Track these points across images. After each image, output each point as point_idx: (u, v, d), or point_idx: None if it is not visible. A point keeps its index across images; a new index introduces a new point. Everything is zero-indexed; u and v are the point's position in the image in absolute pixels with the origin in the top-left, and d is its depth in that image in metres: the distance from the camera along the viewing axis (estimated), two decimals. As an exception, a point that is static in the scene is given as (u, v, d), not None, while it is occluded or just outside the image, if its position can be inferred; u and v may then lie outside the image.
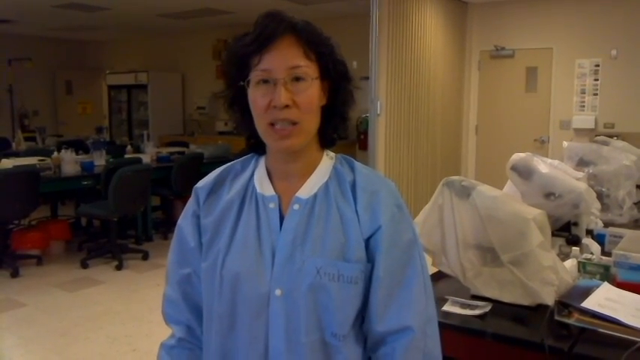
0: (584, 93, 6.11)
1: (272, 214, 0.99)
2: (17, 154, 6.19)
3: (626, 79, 5.85)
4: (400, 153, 5.63)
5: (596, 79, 6.02)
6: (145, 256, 5.20)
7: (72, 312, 3.95)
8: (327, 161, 1.04)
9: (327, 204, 0.99)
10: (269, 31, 0.94)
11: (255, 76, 0.95)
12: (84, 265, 4.94)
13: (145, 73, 9.38)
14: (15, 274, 4.67)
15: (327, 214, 0.99)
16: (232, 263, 0.99)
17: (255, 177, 1.04)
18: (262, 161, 1.06)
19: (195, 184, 1.11)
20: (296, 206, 0.99)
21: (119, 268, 4.89)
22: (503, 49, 6.50)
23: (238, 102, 1.01)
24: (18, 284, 4.54)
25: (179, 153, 6.46)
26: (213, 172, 1.09)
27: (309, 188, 1.00)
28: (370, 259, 0.98)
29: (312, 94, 0.96)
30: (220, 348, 1.00)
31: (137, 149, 6.63)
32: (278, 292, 0.95)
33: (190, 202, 1.09)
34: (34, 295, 4.26)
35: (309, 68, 0.95)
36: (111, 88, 10.19)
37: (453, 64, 6.55)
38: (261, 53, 0.94)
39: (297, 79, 0.94)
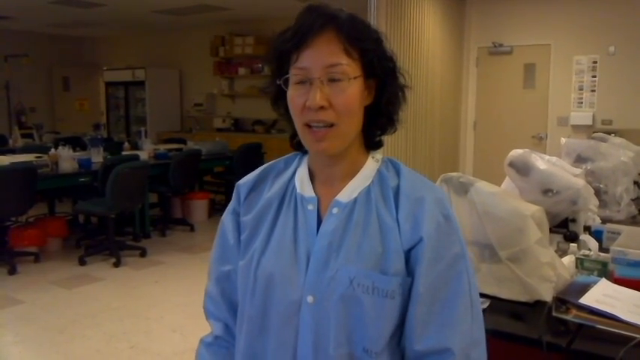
0: (582, 89, 6.11)
1: (310, 216, 0.95)
2: (14, 151, 6.19)
3: (624, 75, 5.85)
4: (398, 149, 5.63)
5: (594, 76, 6.02)
6: (143, 253, 5.20)
7: (70, 309, 3.95)
8: (372, 164, 0.98)
9: (367, 210, 0.93)
10: (306, 26, 0.89)
11: (292, 74, 0.91)
12: (82, 262, 4.93)
13: (143, 70, 9.36)
14: (12, 272, 4.67)
15: (365, 220, 0.93)
16: (267, 264, 0.95)
17: (297, 176, 1.00)
18: (305, 160, 1.01)
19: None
20: (335, 210, 0.94)
21: (117, 265, 4.89)
22: (501, 45, 6.50)
23: (282, 98, 0.96)
24: (15, 281, 4.53)
25: (177, 150, 6.44)
26: (257, 169, 1.06)
27: (349, 192, 0.95)
28: (410, 272, 0.91)
29: (350, 94, 0.89)
30: (249, 349, 0.98)
31: (135, 146, 6.61)
32: (310, 298, 0.91)
33: (232, 199, 1.06)
34: (31, 293, 4.25)
35: (349, 66, 0.89)
36: (108, 84, 10.17)
37: (451, 61, 6.55)
38: (299, 50, 0.89)
39: (335, 78, 0.88)
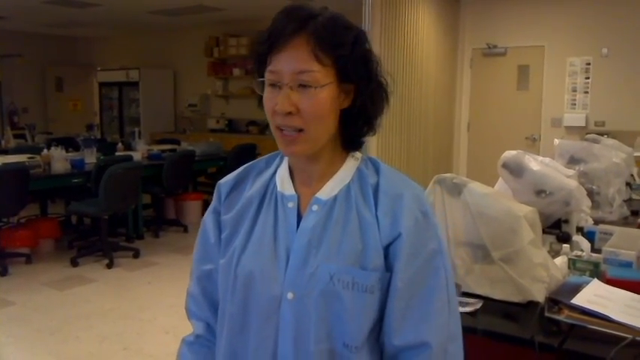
0: (575, 91, 6.14)
1: (290, 214, 0.96)
2: (6, 152, 6.15)
3: (617, 77, 5.88)
4: (392, 150, 5.64)
5: (587, 78, 6.05)
6: (136, 254, 5.18)
7: (62, 311, 3.92)
8: (352, 162, 0.99)
9: (346, 207, 0.94)
10: (278, 30, 0.89)
11: (266, 77, 0.91)
12: (74, 264, 4.90)
13: (137, 70, 9.33)
14: (4, 273, 4.64)
15: (345, 217, 0.94)
16: (247, 262, 0.96)
17: (277, 175, 1.01)
18: (286, 159, 1.01)
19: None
20: (315, 207, 0.95)
21: (110, 266, 4.86)
22: (495, 47, 6.52)
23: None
24: (7, 283, 4.50)
25: (170, 150, 6.42)
26: (238, 168, 1.06)
27: (329, 190, 0.96)
28: (389, 267, 0.92)
29: (320, 100, 0.89)
30: (230, 347, 0.98)
31: (128, 147, 6.59)
32: (290, 295, 0.92)
33: (213, 198, 1.07)
34: (23, 294, 4.22)
35: (319, 73, 0.88)
36: (102, 85, 10.13)
37: (445, 62, 6.56)
38: (272, 54, 0.89)
39: (304, 84, 0.88)
